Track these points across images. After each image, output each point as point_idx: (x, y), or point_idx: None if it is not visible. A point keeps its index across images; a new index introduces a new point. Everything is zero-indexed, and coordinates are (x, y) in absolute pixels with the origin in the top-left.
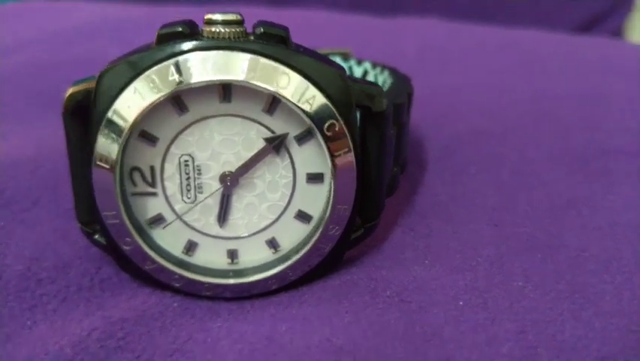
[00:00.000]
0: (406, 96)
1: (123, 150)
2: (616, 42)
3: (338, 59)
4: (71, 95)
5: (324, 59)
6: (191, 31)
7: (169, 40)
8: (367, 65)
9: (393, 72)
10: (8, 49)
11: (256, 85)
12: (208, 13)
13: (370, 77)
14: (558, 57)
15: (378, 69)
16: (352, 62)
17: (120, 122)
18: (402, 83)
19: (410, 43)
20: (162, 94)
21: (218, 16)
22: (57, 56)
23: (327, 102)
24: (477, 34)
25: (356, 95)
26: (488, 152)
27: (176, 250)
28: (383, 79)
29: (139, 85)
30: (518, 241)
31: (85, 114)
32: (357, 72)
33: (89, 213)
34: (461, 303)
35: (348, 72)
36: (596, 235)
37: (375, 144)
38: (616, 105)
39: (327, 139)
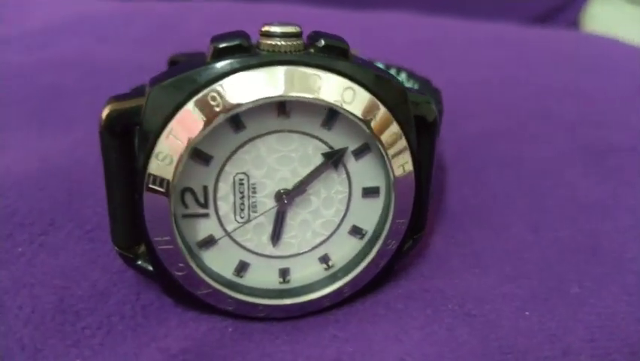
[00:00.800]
0: (441, 103)
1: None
2: (576, 33)
3: None
4: (112, 112)
5: (383, 72)
6: (249, 44)
7: (226, 54)
8: (380, 65)
9: (411, 74)
10: None
11: (322, 100)
12: (264, 25)
13: None
14: (543, 50)
15: (393, 70)
16: None
17: (176, 143)
18: (428, 86)
19: (397, 38)
20: (222, 114)
21: (276, 29)
22: (38, 56)
23: (390, 116)
24: (455, 28)
25: (415, 107)
26: (503, 152)
27: (227, 271)
28: (401, 80)
29: (196, 104)
30: (561, 245)
31: (126, 132)
32: None
33: (129, 238)
34: (527, 313)
35: None
36: (633, 235)
37: (427, 154)
38: (612, 102)
39: (389, 153)
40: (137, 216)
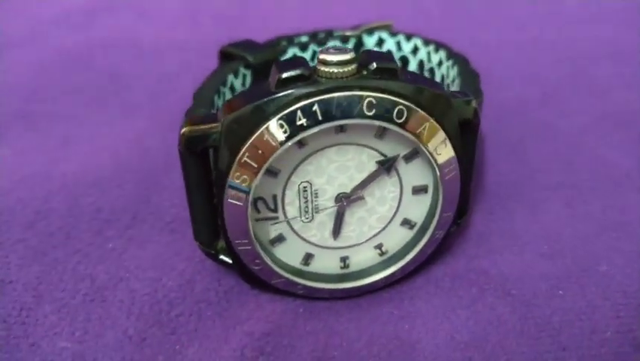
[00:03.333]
0: (481, 91)
1: None
2: None
3: (384, 34)
4: (190, 135)
5: (431, 83)
6: (309, 72)
7: (289, 83)
8: (418, 41)
9: (450, 52)
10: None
11: (376, 122)
12: (321, 53)
13: (422, 55)
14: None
15: (431, 47)
16: (401, 37)
17: (252, 164)
18: (467, 70)
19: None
20: (292, 138)
21: (332, 58)
22: (86, 36)
23: (438, 126)
24: None
25: (458, 112)
26: (538, 121)
27: (295, 262)
28: (439, 58)
29: (269, 129)
30: (593, 220)
31: (203, 150)
32: (407, 48)
33: (209, 235)
34: (561, 292)
35: (395, 48)
36: None
37: (470, 150)
38: None
39: (437, 160)
40: (216, 219)
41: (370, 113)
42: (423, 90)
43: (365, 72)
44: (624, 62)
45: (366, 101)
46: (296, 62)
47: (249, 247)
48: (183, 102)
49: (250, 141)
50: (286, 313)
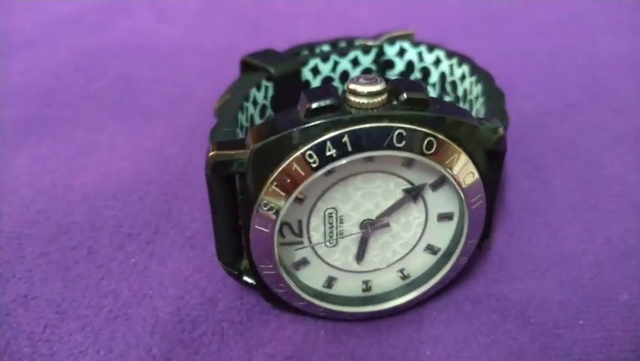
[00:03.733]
0: (507, 113)
1: None
2: None
3: (406, 44)
4: (217, 161)
5: (461, 113)
6: (339, 102)
7: (319, 113)
8: (440, 53)
9: (474, 68)
10: (38, 35)
11: (405, 154)
12: (351, 83)
13: (444, 68)
14: (594, 7)
15: (454, 60)
16: (422, 48)
17: (280, 193)
18: (493, 89)
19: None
20: (321, 168)
21: (362, 89)
22: (102, 38)
23: (466, 157)
24: None
25: (486, 140)
26: (559, 136)
27: (318, 284)
28: (462, 72)
29: (298, 159)
30: (612, 246)
31: (230, 174)
32: (429, 59)
33: (233, 256)
34: (581, 322)
35: (417, 59)
36: None
37: (496, 177)
38: None
39: (464, 189)
40: (240, 240)
41: (400, 145)
42: (453, 121)
43: (395, 102)
44: None
45: (396, 133)
46: (326, 90)
47: (274, 272)
48: (201, 109)
49: (279, 169)
50: (308, 336)
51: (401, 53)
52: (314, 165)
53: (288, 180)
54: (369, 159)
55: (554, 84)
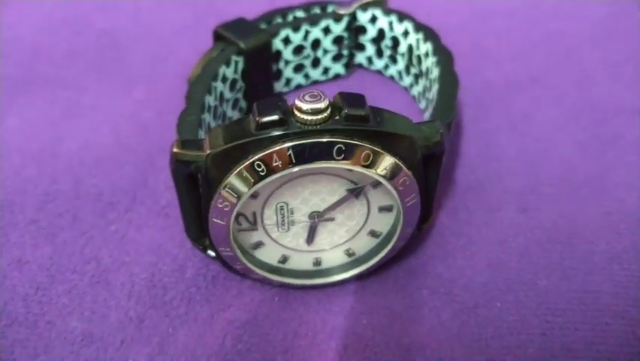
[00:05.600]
0: (454, 108)
1: None
2: None
3: (378, 11)
4: (178, 158)
5: (399, 125)
6: (285, 117)
7: (268, 127)
8: (409, 25)
9: (437, 48)
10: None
11: (343, 166)
12: (297, 100)
13: (411, 40)
14: None
15: (420, 35)
16: (393, 17)
17: (233, 195)
18: (448, 78)
19: None
20: (268, 177)
21: (307, 107)
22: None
23: (402, 165)
24: None
25: (422, 146)
26: (517, 109)
27: (273, 261)
28: (426, 49)
29: (247, 168)
30: (543, 230)
31: (191, 172)
32: (398, 30)
33: (197, 233)
34: (498, 304)
35: (387, 27)
36: (604, 224)
37: (434, 175)
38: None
39: (400, 191)
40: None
41: (339, 158)
42: (390, 135)
43: (337, 117)
44: (615, 48)
45: (335, 147)
46: (274, 105)
47: (231, 254)
48: (179, 70)
49: (231, 175)
50: (264, 302)
51: (373, 20)
52: (262, 174)
53: (239, 185)
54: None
55: (525, 51)
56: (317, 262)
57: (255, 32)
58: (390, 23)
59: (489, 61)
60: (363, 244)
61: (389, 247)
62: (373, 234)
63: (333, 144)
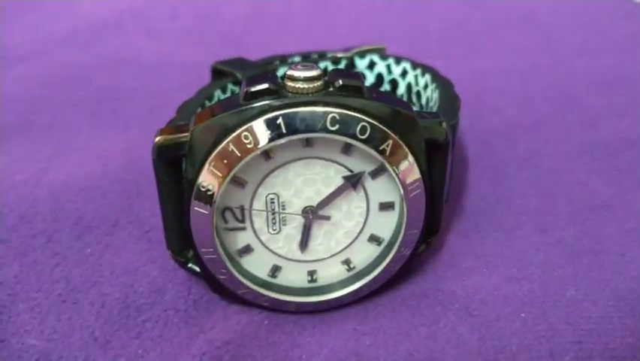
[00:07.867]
0: (457, 114)
1: None
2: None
3: (376, 57)
4: (162, 144)
5: (397, 102)
6: (276, 87)
7: (257, 96)
8: (407, 64)
9: (435, 76)
10: (31, 50)
11: (338, 138)
12: (289, 69)
13: (410, 79)
14: (574, 28)
15: (418, 71)
16: (391, 60)
17: (217, 174)
18: (448, 94)
19: (428, 19)
20: (255, 150)
21: (300, 74)
22: (91, 53)
23: (402, 143)
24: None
25: (425, 131)
26: (524, 147)
27: (262, 273)
28: (425, 81)
29: (233, 142)
30: (565, 246)
31: (175, 159)
32: (396, 71)
33: (180, 244)
34: (523, 315)
35: (386, 71)
36: (632, 238)
37: (440, 171)
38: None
39: (400, 176)
40: (186, 228)
41: (334, 129)
42: (386, 108)
43: (331, 88)
44: (618, 92)
45: (329, 117)
46: (265, 76)
47: (215, 256)
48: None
49: (216, 150)
50: (251, 324)
51: (371, 65)
52: (249, 146)
53: (225, 161)
54: (308, 143)
55: (525, 100)
56: (312, 277)
57: (253, 67)
58: (389, 66)
59: (490, 109)
60: (364, 252)
61: (392, 254)
62: (375, 240)
63: (327, 113)
